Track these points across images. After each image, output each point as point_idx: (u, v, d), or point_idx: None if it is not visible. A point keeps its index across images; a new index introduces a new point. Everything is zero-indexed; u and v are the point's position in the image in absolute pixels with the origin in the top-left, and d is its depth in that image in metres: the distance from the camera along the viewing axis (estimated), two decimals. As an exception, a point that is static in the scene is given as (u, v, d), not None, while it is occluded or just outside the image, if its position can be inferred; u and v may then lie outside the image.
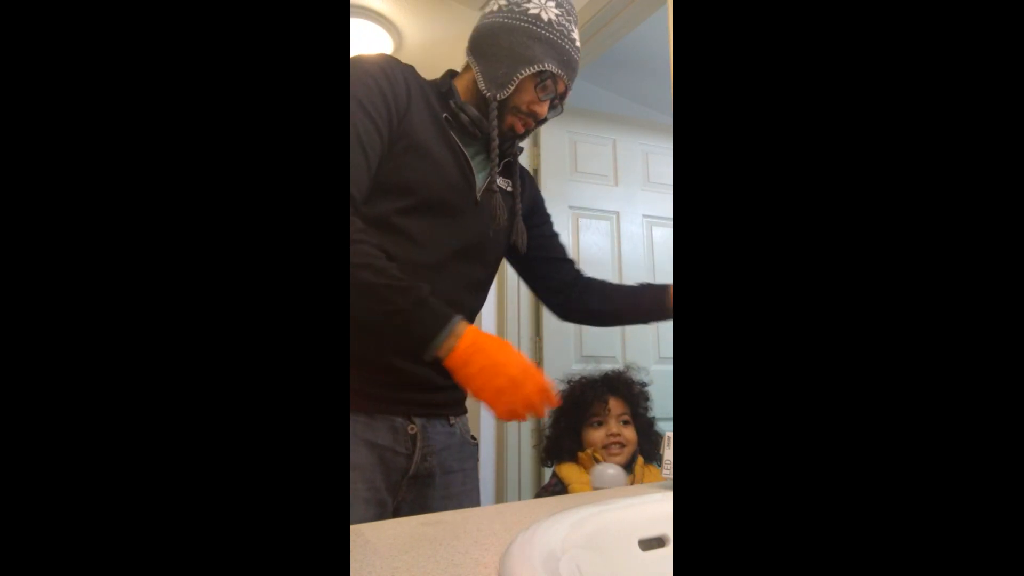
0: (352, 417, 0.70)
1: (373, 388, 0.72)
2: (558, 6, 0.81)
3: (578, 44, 0.83)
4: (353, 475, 0.69)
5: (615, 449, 1.14)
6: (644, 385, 1.22)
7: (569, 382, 1.24)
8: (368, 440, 0.71)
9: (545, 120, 0.85)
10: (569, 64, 0.81)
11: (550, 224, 1.00)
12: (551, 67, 0.79)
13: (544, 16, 0.79)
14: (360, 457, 0.70)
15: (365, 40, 1.74)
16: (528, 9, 0.79)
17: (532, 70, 0.78)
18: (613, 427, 1.15)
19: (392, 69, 0.76)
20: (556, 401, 0.68)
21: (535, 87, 0.80)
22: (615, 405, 1.17)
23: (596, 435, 1.15)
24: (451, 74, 0.86)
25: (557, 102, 0.84)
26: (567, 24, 0.81)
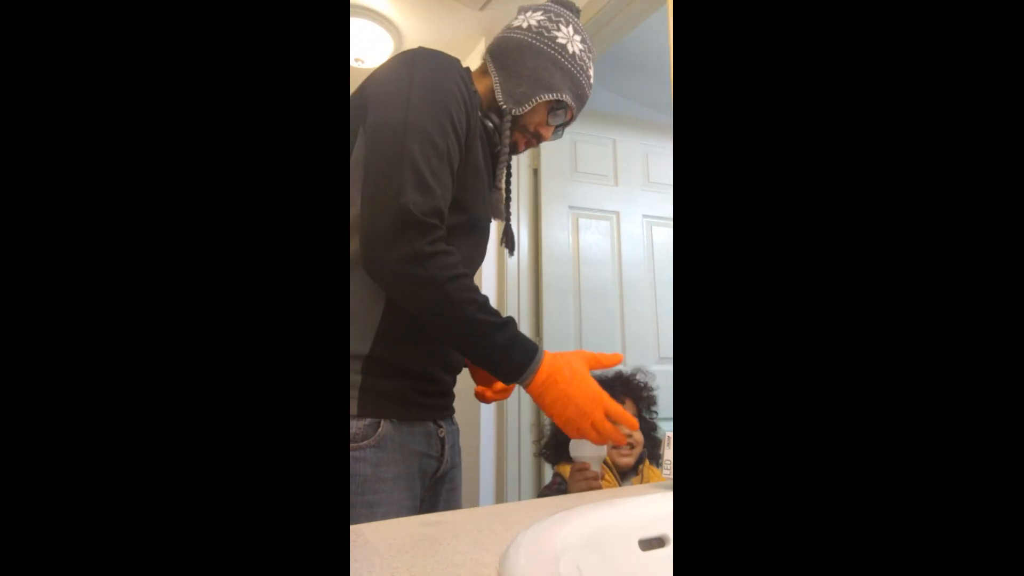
0: (398, 426, 0.71)
1: (418, 398, 0.74)
2: (583, 42, 0.84)
3: (592, 81, 0.86)
4: (399, 484, 0.70)
5: (625, 450, 1.14)
6: (652, 389, 1.23)
7: None
8: (412, 449, 0.73)
9: (541, 142, 0.88)
10: (581, 98, 0.85)
11: None
12: (567, 98, 0.82)
13: (570, 48, 0.82)
14: (405, 466, 0.71)
15: (365, 40, 1.74)
16: (557, 38, 0.82)
17: (550, 97, 0.81)
18: (625, 428, 1.15)
19: (466, 75, 0.77)
20: (621, 432, 0.75)
21: (548, 112, 0.83)
22: (628, 407, 1.18)
23: None
24: (467, 72, 0.84)
25: (560, 129, 0.87)
26: (587, 60, 0.84)
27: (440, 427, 0.78)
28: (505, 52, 0.83)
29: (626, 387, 1.20)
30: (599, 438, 0.72)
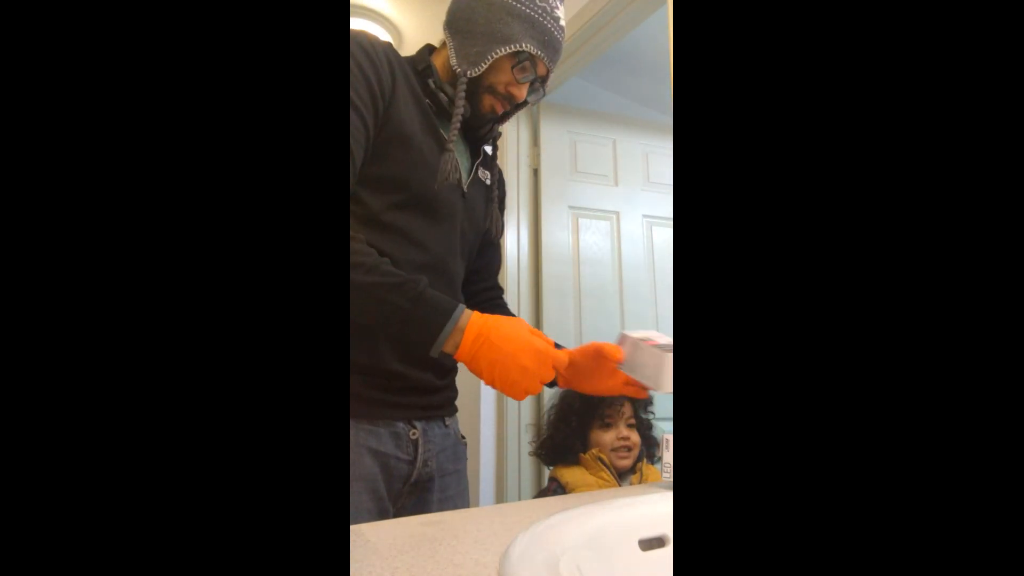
0: (355, 425, 0.67)
1: (375, 394, 0.69)
2: None
3: (562, 23, 0.77)
4: (358, 486, 0.66)
5: (623, 452, 1.14)
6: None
7: None
8: (372, 448, 0.68)
9: (526, 104, 0.79)
10: (551, 44, 0.75)
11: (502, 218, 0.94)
12: (529, 47, 0.73)
13: None
14: (364, 467, 0.67)
15: (365, 40, 1.74)
16: None
17: (508, 50, 0.72)
18: (623, 430, 1.15)
19: (375, 50, 0.70)
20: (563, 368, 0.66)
21: (512, 68, 0.74)
22: (626, 408, 1.17)
23: (606, 437, 1.15)
24: (429, 49, 0.81)
25: (538, 85, 0.78)
26: (551, 1, 0.76)
27: (413, 428, 0.72)
28: (457, 13, 0.75)
29: None
30: (539, 390, 0.64)
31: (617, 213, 1.94)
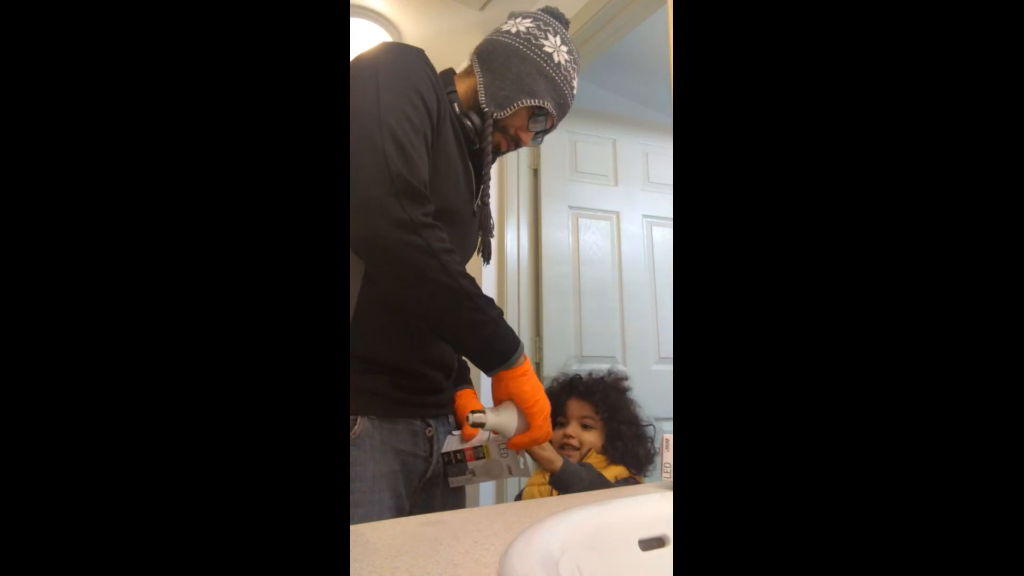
0: (379, 424, 0.70)
1: (399, 393, 0.73)
2: (569, 53, 0.86)
3: (575, 92, 0.88)
4: (380, 484, 0.68)
5: (568, 450, 1.15)
6: (616, 390, 1.21)
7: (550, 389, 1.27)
8: (393, 446, 0.71)
9: (522, 145, 0.89)
10: (563, 108, 0.87)
11: None
12: (548, 106, 0.83)
13: (556, 58, 0.84)
14: (386, 465, 0.70)
15: (365, 40, 1.74)
16: (544, 46, 0.84)
17: (532, 103, 0.82)
18: (569, 429, 1.17)
19: (430, 63, 0.78)
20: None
21: (529, 117, 0.84)
22: (575, 407, 1.19)
23: (557, 435, 1.18)
24: (451, 72, 0.87)
25: (540, 136, 0.89)
26: (571, 71, 0.86)
27: (428, 426, 0.77)
28: (491, 55, 0.84)
29: (573, 388, 1.22)
30: (545, 431, 0.74)
31: (617, 213, 1.94)
